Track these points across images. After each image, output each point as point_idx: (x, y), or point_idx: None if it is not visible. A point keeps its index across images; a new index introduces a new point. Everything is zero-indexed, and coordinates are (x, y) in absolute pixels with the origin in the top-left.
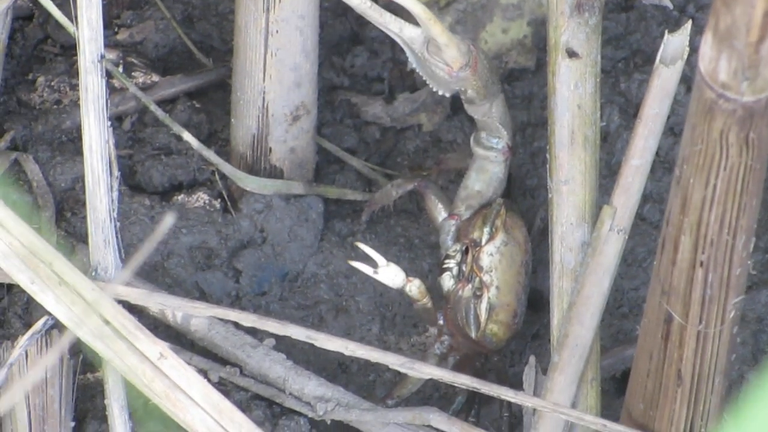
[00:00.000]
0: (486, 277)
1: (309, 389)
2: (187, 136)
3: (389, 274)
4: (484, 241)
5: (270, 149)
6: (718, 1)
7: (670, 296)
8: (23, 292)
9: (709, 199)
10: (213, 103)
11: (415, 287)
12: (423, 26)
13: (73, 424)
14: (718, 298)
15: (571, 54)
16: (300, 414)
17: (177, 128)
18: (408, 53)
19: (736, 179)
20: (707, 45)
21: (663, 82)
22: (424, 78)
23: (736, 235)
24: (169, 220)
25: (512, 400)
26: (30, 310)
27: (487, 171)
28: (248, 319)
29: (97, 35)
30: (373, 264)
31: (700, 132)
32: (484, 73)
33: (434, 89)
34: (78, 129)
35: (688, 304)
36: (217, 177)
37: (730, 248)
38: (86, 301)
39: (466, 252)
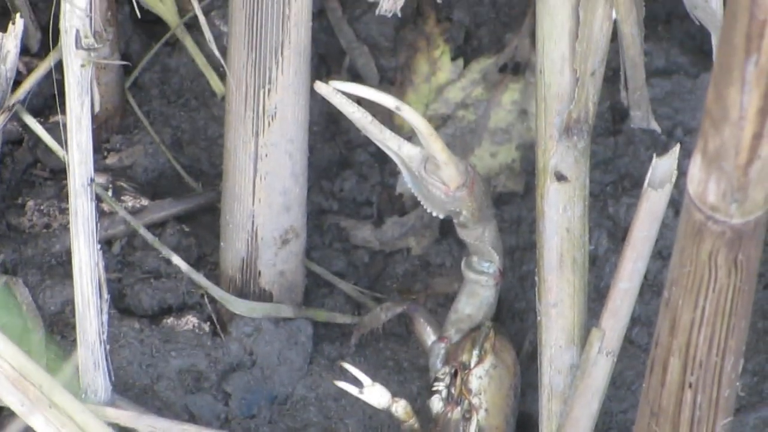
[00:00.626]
0: (475, 400)
1: None
2: (176, 260)
3: (375, 394)
4: (473, 364)
5: (259, 272)
6: (707, 123)
7: (659, 417)
8: (12, 414)
9: (698, 320)
10: (202, 227)
11: (401, 408)
12: (424, 142)
13: None
14: (707, 420)
15: (560, 177)
16: None
17: (166, 252)
18: (404, 172)
19: (725, 301)
20: (696, 167)
21: (651, 206)
22: (418, 198)
23: (725, 357)
24: None
25: None
26: None
27: (478, 295)
28: None
29: (86, 159)
30: (360, 384)
31: (688, 254)
32: (480, 195)
33: (428, 210)
34: (67, 252)
35: (677, 425)
36: (206, 300)
37: (719, 370)
38: (76, 423)
39: (455, 375)
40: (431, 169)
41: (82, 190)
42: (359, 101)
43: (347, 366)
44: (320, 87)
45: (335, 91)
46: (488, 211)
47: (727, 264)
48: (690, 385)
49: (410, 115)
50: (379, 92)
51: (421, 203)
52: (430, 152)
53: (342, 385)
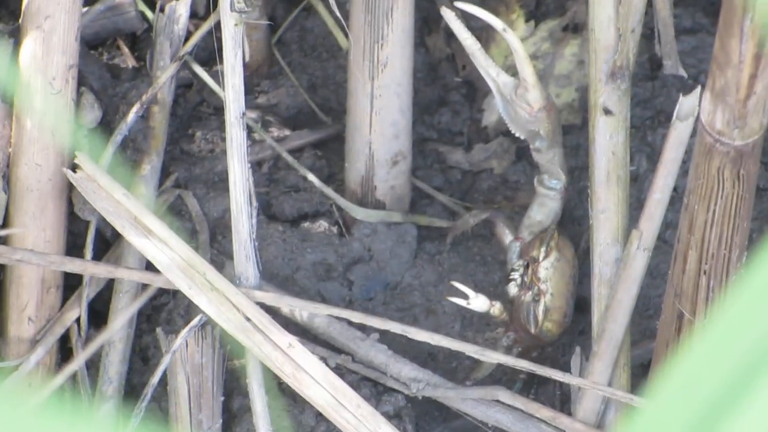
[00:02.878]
0: (543, 286)
1: (405, 372)
2: (311, 177)
3: (478, 303)
4: (541, 258)
5: (375, 187)
6: (714, 67)
7: (681, 297)
8: (185, 296)
9: (710, 221)
10: (331, 152)
11: (497, 309)
12: (519, 63)
13: (222, 398)
14: (717, 299)
15: (607, 112)
16: (398, 392)
17: (303, 171)
18: (497, 97)
19: (730, 206)
20: (706, 101)
21: (679, 134)
22: (506, 120)
23: (731, 250)
24: None
25: (562, 380)
26: (189, 311)
27: (546, 205)
28: (358, 317)
29: (239, 97)
30: (466, 296)
31: (702, 169)
32: (555, 119)
33: (513, 131)
34: (226, 171)
35: (695, 303)
36: (334, 208)
37: (727, 260)
38: (232, 302)
39: (527, 267)
40: (520, 93)
41: (236, 121)
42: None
43: (456, 284)
44: (445, 12)
45: (456, 18)
46: (558, 137)
47: (732, 177)
48: (704, 272)
49: (512, 38)
50: (491, 15)
51: (508, 125)
52: (522, 74)
53: (453, 299)
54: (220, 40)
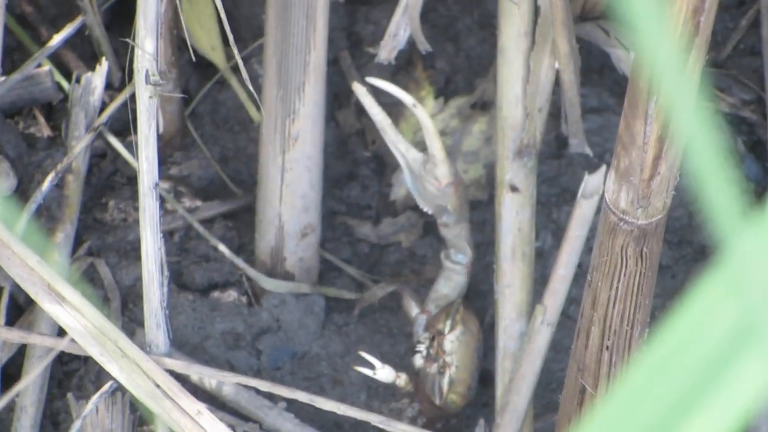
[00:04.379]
0: (448, 359)
1: None
2: (222, 248)
3: (384, 374)
4: (447, 331)
5: (284, 258)
6: (619, 147)
7: (584, 372)
8: (95, 363)
9: (612, 298)
10: (242, 223)
11: (403, 380)
12: (428, 138)
13: None
14: (619, 374)
15: (513, 189)
16: None
17: (214, 241)
18: (406, 172)
19: (633, 283)
20: (611, 180)
21: (583, 212)
22: (413, 195)
23: (633, 326)
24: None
25: None
26: (100, 377)
27: (453, 279)
28: (266, 386)
29: (153, 168)
30: (372, 366)
31: (605, 247)
32: (462, 195)
33: (421, 206)
34: (138, 240)
35: (597, 378)
36: (244, 279)
37: (629, 336)
38: (142, 369)
39: (433, 339)
40: (429, 168)
41: (149, 191)
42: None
43: (364, 354)
44: (357, 87)
45: (367, 93)
46: (465, 212)
47: (635, 255)
48: (607, 348)
49: (422, 113)
50: (402, 91)
51: (416, 200)
52: (430, 150)
53: (360, 369)
54: (134, 111)
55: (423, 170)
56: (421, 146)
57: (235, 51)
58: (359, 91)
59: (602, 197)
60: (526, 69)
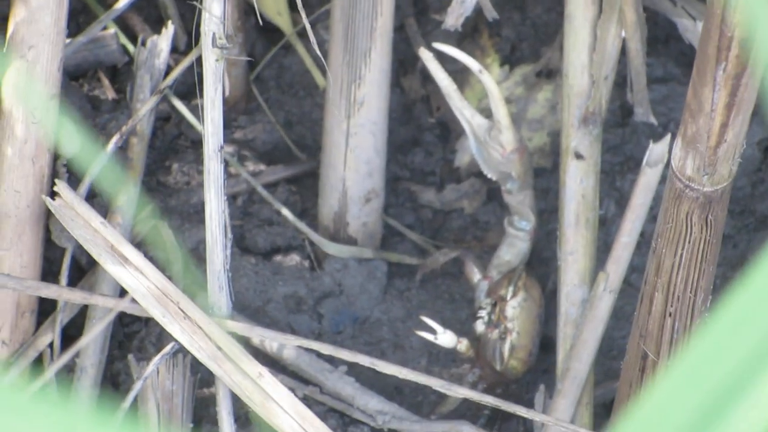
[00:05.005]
0: (509, 325)
1: (372, 405)
2: (285, 212)
3: (446, 339)
4: (509, 297)
5: (348, 223)
6: (687, 114)
7: (646, 338)
8: (156, 324)
9: (677, 265)
10: (305, 188)
11: (464, 345)
12: (493, 105)
13: (191, 425)
14: (682, 341)
15: (578, 156)
16: (364, 423)
17: (278, 205)
18: (471, 138)
19: (697, 250)
20: (677, 147)
21: (647, 180)
22: (478, 162)
23: (696, 293)
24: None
25: (527, 416)
26: (161, 338)
27: (516, 246)
28: (327, 350)
29: (218, 131)
30: (434, 331)
31: (671, 214)
32: (527, 162)
33: (485, 172)
34: (201, 203)
35: (660, 344)
36: (306, 243)
37: (692, 303)
38: (204, 331)
39: (494, 305)
40: (494, 135)
41: (214, 155)
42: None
43: (425, 319)
44: (423, 53)
45: (433, 59)
46: (530, 179)
47: (700, 222)
48: (669, 314)
49: (488, 80)
50: (468, 57)
51: (480, 166)
52: (496, 116)
53: (421, 333)
54: (199, 74)
55: (488, 137)
56: (486, 113)
57: (303, 16)
58: (426, 56)
59: (668, 165)
60: (592, 37)
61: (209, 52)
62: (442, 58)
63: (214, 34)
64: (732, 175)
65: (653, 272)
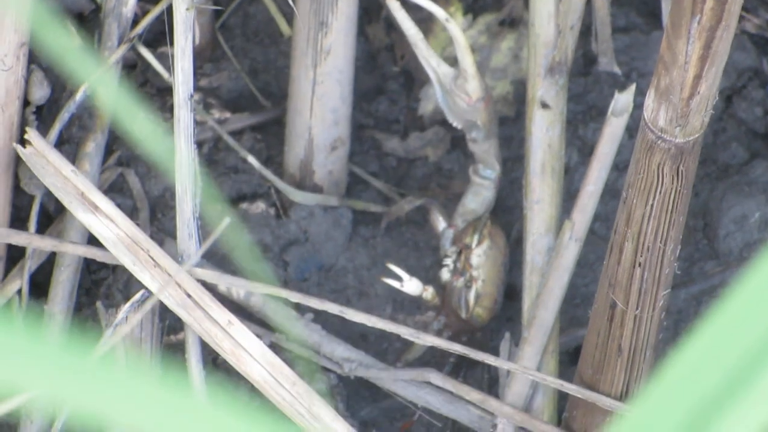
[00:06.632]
0: (474, 273)
1: (338, 352)
2: (250, 159)
3: (411, 286)
4: (474, 245)
5: (313, 171)
6: (660, 66)
7: (615, 288)
8: (124, 271)
9: (647, 215)
10: (271, 135)
11: (429, 293)
12: (459, 53)
13: (159, 372)
14: (651, 291)
15: (544, 105)
16: (331, 371)
17: (243, 153)
18: (436, 86)
19: (668, 201)
20: (650, 99)
21: (613, 129)
22: (444, 110)
23: (666, 243)
24: (226, 221)
25: (494, 364)
26: (129, 286)
27: (480, 194)
28: (294, 297)
29: (188, 79)
30: (400, 278)
31: (642, 164)
32: (492, 110)
33: (450, 120)
34: (168, 150)
35: (629, 294)
36: (272, 191)
37: (661, 253)
38: (174, 279)
39: (460, 253)
40: (460, 83)
41: (184, 103)
42: None
43: (391, 266)
44: (390, 1)
45: (400, 7)
46: (494, 128)
47: (671, 173)
48: (639, 264)
49: (454, 28)
50: (435, 5)
51: (445, 115)
52: (462, 65)
53: (387, 280)
54: (165, 23)
55: (454, 85)
56: (451, 62)
57: None
58: (393, 5)
59: (638, 115)
60: None
61: (179, 1)
62: (407, 6)
63: None
64: (704, 126)
65: (623, 222)
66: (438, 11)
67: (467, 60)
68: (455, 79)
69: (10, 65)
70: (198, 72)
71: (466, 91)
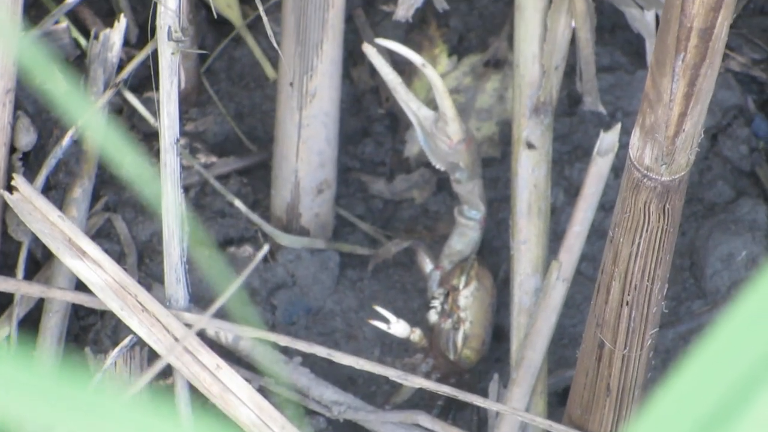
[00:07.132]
0: (462, 314)
1: (327, 395)
2: (237, 203)
3: (399, 328)
4: (461, 287)
5: (300, 214)
6: (645, 104)
7: (603, 327)
8: (112, 317)
9: (634, 253)
10: (257, 179)
11: (417, 335)
12: (438, 97)
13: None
14: (638, 330)
15: (530, 146)
16: (320, 414)
17: (230, 197)
18: (418, 130)
19: (655, 239)
20: (636, 137)
21: (598, 169)
22: (426, 153)
23: (653, 282)
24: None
25: (483, 406)
26: (117, 331)
27: (466, 235)
28: (282, 340)
29: (174, 124)
30: (387, 321)
31: (628, 203)
32: (474, 151)
33: (433, 163)
34: (155, 196)
35: (616, 333)
36: (259, 235)
37: (649, 292)
38: (162, 324)
39: (447, 295)
40: (440, 126)
41: (170, 147)
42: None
43: (378, 308)
44: (367, 48)
45: (377, 54)
46: (478, 169)
47: (657, 211)
48: (627, 303)
49: (432, 73)
50: (411, 51)
51: (428, 157)
52: (441, 108)
53: (375, 323)
54: (150, 67)
55: (435, 128)
56: (434, 104)
57: (260, 6)
58: (370, 52)
59: (625, 154)
60: (543, 27)
61: (165, 46)
62: (391, 50)
63: (169, 27)
64: (690, 164)
65: (610, 261)
66: (415, 57)
67: (446, 103)
68: (436, 122)
69: None
70: (184, 116)
71: (446, 134)
